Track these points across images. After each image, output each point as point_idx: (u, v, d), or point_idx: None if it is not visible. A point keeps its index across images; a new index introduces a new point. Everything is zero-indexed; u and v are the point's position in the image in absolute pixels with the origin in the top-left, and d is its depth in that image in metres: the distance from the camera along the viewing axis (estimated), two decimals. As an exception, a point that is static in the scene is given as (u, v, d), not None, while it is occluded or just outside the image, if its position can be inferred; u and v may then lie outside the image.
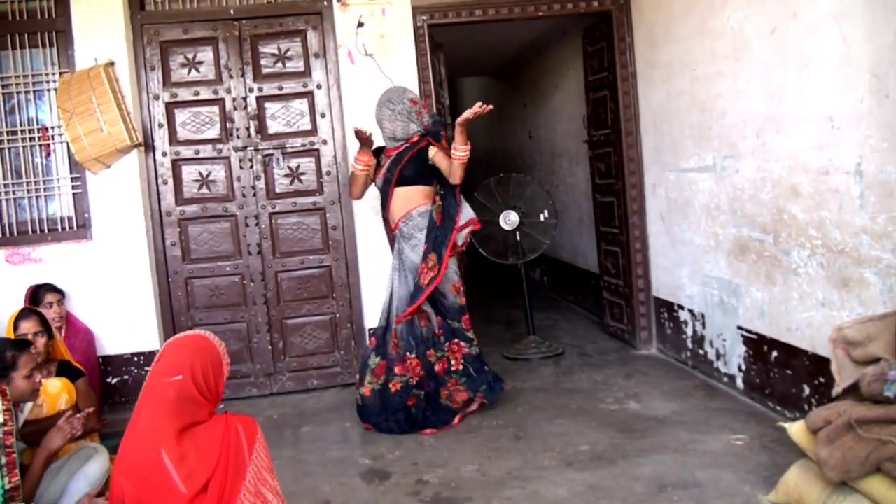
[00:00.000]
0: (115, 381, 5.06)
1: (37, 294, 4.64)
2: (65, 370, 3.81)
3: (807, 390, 3.79)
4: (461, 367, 4.44)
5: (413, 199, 4.49)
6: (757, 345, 4.24)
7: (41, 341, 3.74)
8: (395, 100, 4.49)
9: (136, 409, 2.41)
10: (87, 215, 5.07)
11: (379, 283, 5.23)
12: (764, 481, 3.27)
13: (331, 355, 5.38)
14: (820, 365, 3.57)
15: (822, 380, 3.61)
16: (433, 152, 4.47)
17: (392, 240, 4.64)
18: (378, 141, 4.60)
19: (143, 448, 2.31)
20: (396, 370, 4.37)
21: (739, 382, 4.47)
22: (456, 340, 4.45)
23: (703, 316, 4.84)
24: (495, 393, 4.54)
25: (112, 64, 4.95)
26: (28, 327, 3.73)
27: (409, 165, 4.46)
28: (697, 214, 4.77)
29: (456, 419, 4.41)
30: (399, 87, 4.73)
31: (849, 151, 3.32)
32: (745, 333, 4.35)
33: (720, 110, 4.39)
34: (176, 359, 2.44)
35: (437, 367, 4.41)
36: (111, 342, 5.04)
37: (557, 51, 7.62)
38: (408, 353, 4.37)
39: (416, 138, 4.51)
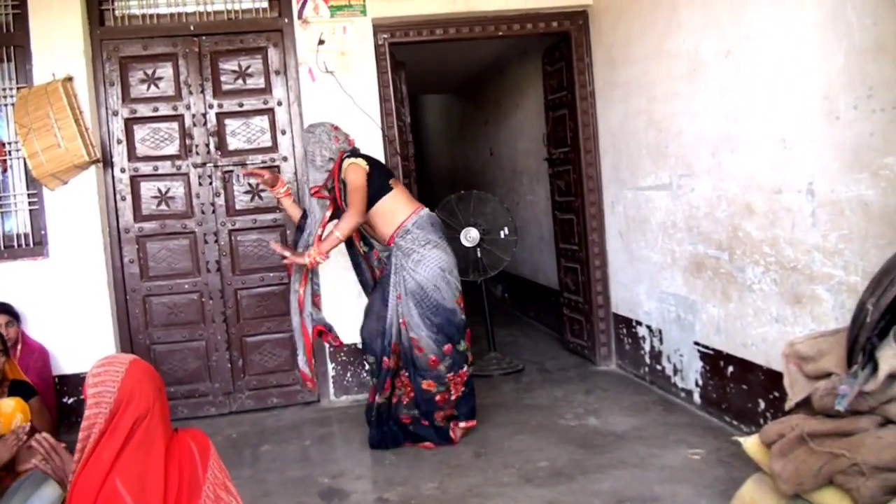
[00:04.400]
0: (71, 400, 4.97)
1: (-13, 316, 4.55)
2: (17, 389, 3.73)
3: (762, 404, 3.84)
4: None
5: (397, 210, 4.26)
6: (713, 360, 4.29)
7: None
8: (316, 125, 4.40)
9: (115, 452, 2.31)
10: (43, 232, 4.99)
11: (337, 300, 5.19)
12: (720, 495, 3.30)
13: (291, 373, 5.33)
14: (775, 379, 3.63)
15: (776, 394, 3.66)
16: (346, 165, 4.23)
17: (370, 266, 4.48)
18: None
19: (98, 476, 2.25)
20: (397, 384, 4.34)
21: (696, 397, 4.52)
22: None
23: (660, 332, 4.89)
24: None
25: (70, 79, 4.89)
26: None
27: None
28: (654, 232, 4.83)
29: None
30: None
31: (801, 171, 3.39)
32: (701, 349, 4.41)
33: (676, 130, 4.46)
34: (145, 392, 2.37)
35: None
36: (67, 361, 4.94)
37: (518, 70, 7.68)
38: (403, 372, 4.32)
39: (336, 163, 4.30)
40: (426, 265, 4.14)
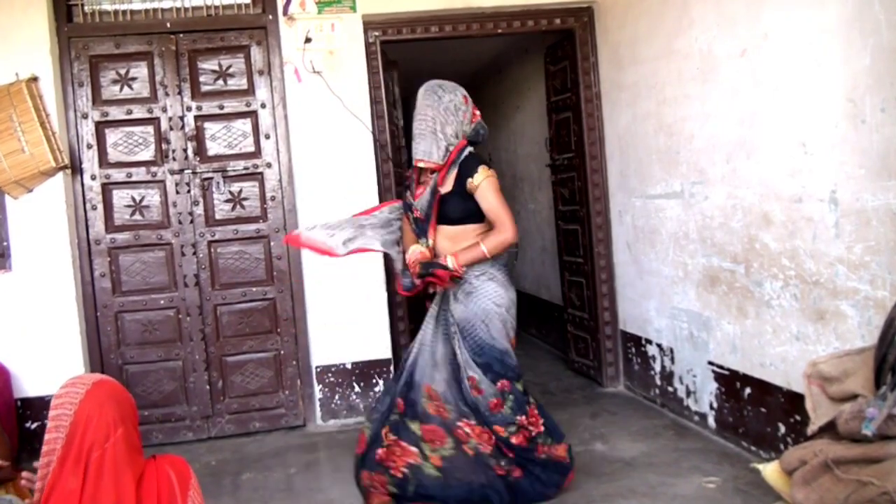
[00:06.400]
0: (34, 425, 4.93)
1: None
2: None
3: (782, 429, 3.84)
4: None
5: (467, 239, 3.81)
6: (729, 381, 4.29)
7: None
8: (447, 88, 3.74)
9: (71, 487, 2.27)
10: (5, 244, 4.96)
11: (327, 317, 5.20)
12: (738, 527, 3.31)
13: (275, 395, 5.32)
14: (795, 402, 3.62)
15: (797, 417, 3.66)
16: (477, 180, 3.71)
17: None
18: None
19: None
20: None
21: (711, 421, 4.51)
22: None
23: (671, 351, 4.89)
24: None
25: (35, 79, 4.88)
26: None
27: (453, 202, 3.75)
28: (665, 243, 4.84)
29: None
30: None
31: (823, 178, 3.40)
32: (716, 369, 4.40)
33: (688, 134, 4.47)
34: (105, 416, 2.34)
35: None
36: (32, 383, 4.91)
37: (518, 70, 7.70)
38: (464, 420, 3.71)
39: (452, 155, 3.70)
40: (476, 298, 3.80)
